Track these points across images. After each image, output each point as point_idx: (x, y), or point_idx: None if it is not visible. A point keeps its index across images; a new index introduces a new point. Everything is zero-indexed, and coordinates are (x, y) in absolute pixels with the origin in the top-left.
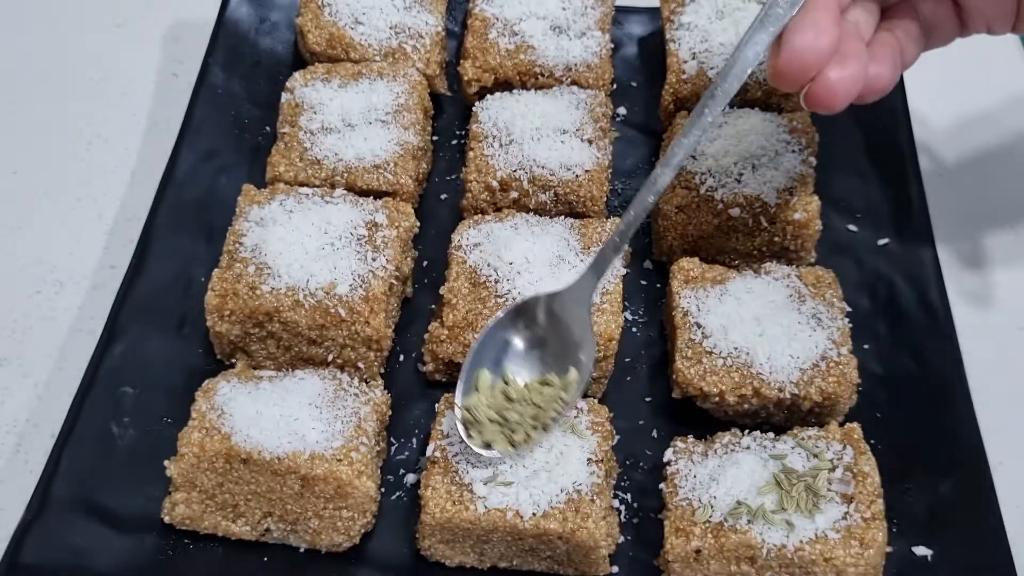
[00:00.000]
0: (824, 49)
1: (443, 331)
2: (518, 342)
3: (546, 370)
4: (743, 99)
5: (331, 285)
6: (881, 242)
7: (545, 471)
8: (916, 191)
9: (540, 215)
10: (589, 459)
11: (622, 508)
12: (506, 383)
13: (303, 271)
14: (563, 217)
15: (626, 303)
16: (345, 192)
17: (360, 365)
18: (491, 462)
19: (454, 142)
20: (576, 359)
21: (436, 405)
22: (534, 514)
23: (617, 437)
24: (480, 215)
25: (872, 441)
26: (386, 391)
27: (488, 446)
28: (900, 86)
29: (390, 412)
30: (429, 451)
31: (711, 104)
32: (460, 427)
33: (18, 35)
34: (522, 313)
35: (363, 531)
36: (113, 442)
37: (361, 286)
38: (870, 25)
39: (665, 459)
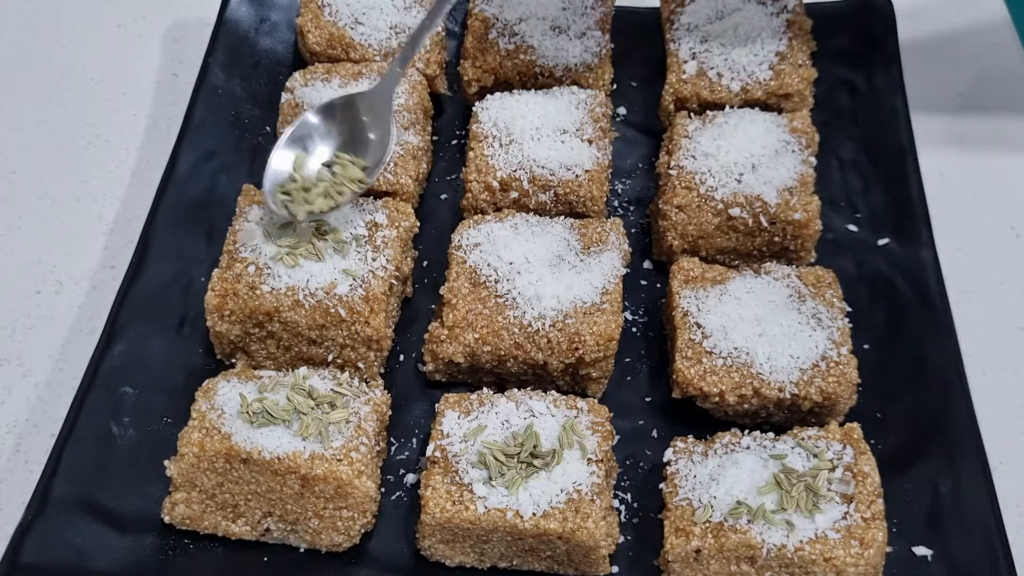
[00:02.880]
0: None
1: (443, 331)
2: (324, 135)
3: (353, 154)
4: (743, 99)
5: (331, 285)
6: (881, 242)
7: (545, 471)
8: (916, 191)
9: (540, 215)
10: (589, 459)
11: (622, 508)
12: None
13: (303, 271)
14: (563, 217)
15: (626, 303)
16: None
17: (360, 365)
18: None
19: (454, 142)
20: (377, 149)
21: (436, 405)
22: (534, 514)
23: (617, 437)
24: (480, 215)
25: (872, 441)
26: (386, 391)
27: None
28: (900, 86)
29: (390, 412)
30: (429, 451)
31: None
32: (269, 201)
33: (18, 35)
34: (329, 111)
35: (363, 531)
36: (113, 442)
37: (361, 286)
38: None
39: (665, 459)
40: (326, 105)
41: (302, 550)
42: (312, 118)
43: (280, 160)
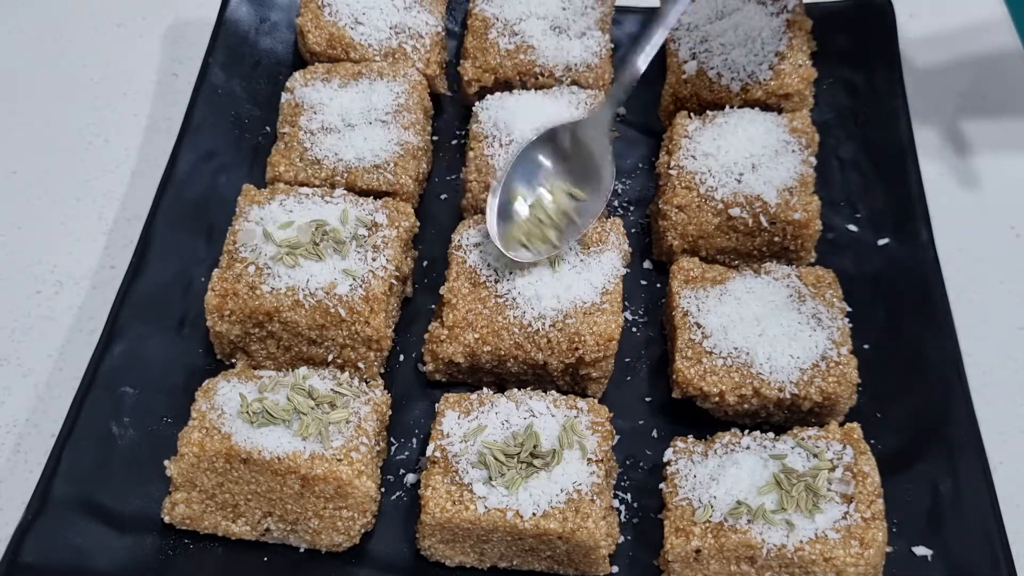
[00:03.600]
0: None
1: (443, 331)
2: (546, 162)
3: (572, 185)
4: (743, 99)
5: (331, 285)
6: (881, 242)
7: (545, 471)
8: (916, 191)
9: None
10: (589, 459)
11: (622, 508)
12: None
13: (303, 271)
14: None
15: (626, 303)
16: (345, 192)
17: (360, 365)
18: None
19: (454, 142)
20: (599, 178)
21: (436, 405)
22: (534, 514)
23: (617, 437)
24: (480, 215)
25: (872, 441)
26: (386, 391)
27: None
28: (900, 86)
29: (390, 412)
30: (429, 451)
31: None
32: (494, 233)
33: (18, 35)
34: (550, 138)
35: (363, 531)
36: (113, 442)
37: (361, 286)
38: None
39: (665, 459)
40: (538, 139)
41: (302, 550)
42: (522, 150)
43: (502, 198)
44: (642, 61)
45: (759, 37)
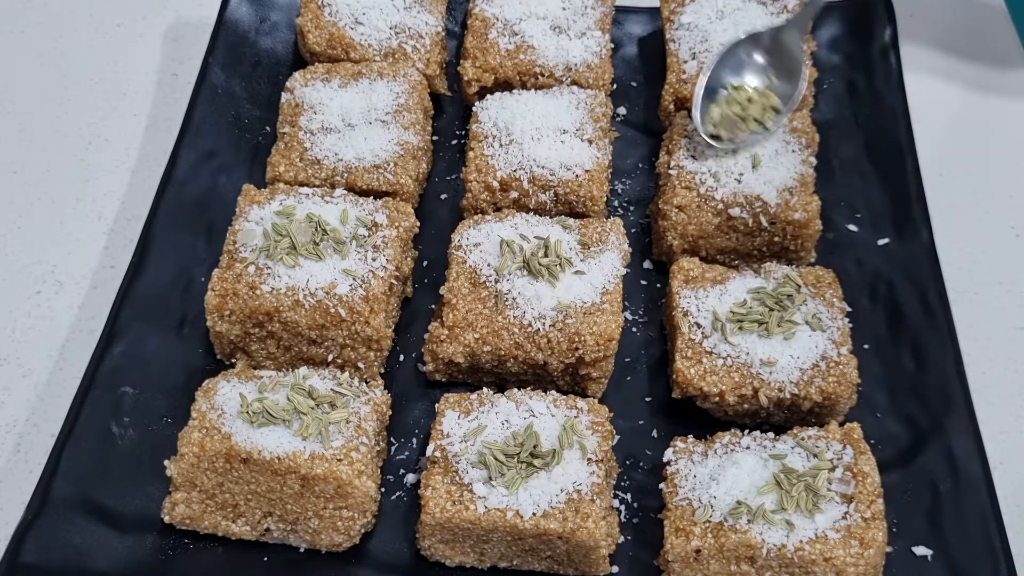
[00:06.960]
0: None
1: (443, 331)
2: (746, 59)
3: (775, 78)
4: None
5: (331, 285)
6: (881, 242)
7: (545, 471)
8: (916, 191)
9: (540, 215)
10: (589, 459)
11: (622, 508)
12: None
13: (303, 271)
14: (563, 217)
15: (626, 303)
16: (345, 192)
17: (360, 365)
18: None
19: (454, 142)
20: (793, 81)
21: (436, 405)
22: (534, 514)
23: (617, 437)
24: (480, 215)
25: (872, 441)
26: (386, 391)
27: (716, 138)
28: (900, 86)
29: (390, 412)
30: (429, 451)
31: None
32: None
33: (18, 35)
34: (752, 40)
35: (363, 531)
36: (113, 442)
37: (361, 286)
38: None
39: (665, 459)
40: (744, 39)
41: (302, 550)
42: (726, 51)
43: (705, 85)
44: None
45: None
